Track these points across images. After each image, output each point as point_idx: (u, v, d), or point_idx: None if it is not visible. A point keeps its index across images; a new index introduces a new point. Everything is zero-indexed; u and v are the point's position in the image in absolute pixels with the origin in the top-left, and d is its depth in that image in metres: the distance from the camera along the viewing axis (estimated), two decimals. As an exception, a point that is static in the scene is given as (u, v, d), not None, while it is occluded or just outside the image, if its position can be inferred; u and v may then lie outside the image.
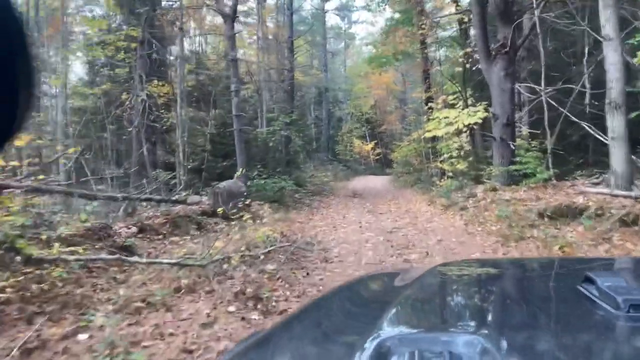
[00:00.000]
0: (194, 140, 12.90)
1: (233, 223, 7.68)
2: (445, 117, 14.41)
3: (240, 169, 10.92)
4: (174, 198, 9.02)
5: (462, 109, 14.02)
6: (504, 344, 0.87)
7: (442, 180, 17.33)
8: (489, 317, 1.18)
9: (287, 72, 19.76)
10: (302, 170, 18.74)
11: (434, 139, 22.54)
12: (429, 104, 22.89)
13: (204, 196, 9.93)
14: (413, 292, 1.33)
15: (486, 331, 0.98)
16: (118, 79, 14.31)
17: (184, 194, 9.50)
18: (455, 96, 14.92)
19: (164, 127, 13.12)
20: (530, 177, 10.73)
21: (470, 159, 14.29)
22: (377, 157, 38.89)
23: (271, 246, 6.24)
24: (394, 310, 1.12)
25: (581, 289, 1.09)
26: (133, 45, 12.67)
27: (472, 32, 15.81)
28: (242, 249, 5.91)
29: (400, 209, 13.13)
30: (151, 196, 8.71)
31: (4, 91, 0.55)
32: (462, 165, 14.00)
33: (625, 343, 0.92)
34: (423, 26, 18.26)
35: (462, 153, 14.36)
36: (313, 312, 1.40)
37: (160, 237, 7.51)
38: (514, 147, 11.74)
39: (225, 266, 5.21)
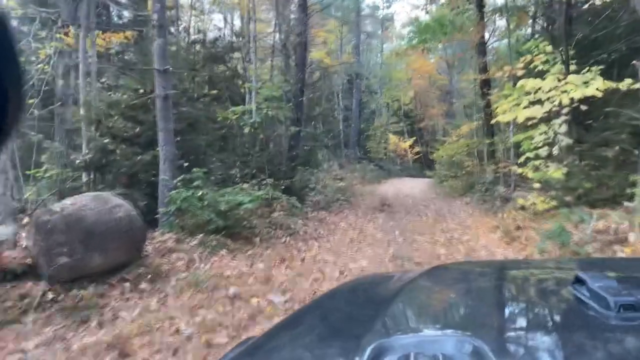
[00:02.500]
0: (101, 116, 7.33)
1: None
2: (527, 93, 8.57)
3: (165, 170, 5.48)
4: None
5: (560, 78, 8.12)
6: (497, 345, 0.86)
7: (511, 190, 11.57)
8: (482, 319, 1.12)
9: (297, 37, 14.17)
10: (310, 172, 13.13)
11: (493, 132, 16.74)
12: (484, 90, 17.19)
13: (26, 229, 4.45)
14: (408, 294, 1.31)
15: (479, 333, 0.93)
16: None
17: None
18: (545, 58, 8.92)
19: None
20: None
21: (576, 161, 8.35)
22: (416, 156, 32.86)
23: None
24: (389, 313, 1.11)
25: (572, 289, 1.08)
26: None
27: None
28: None
29: (453, 241, 7.40)
30: None
31: None
32: (557, 173, 8.08)
33: (615, 343, 0.90)
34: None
35: (556, 151, 8.46)
36: (308, 315, 1.37)
37: None
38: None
39: None
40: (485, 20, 17.74)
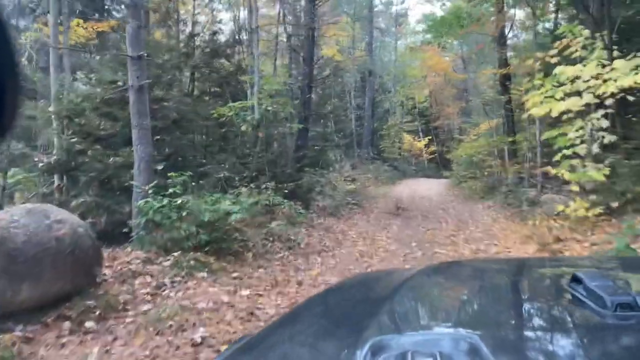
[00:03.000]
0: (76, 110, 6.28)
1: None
2: (561, 84, 7.44)
3: (140, 174, 4.50)
4: None
5: (605, 64, 6.95)
6: (494, 343, 0.85)
7: (537, 192, 10.40)
8: (480, 317, 1.13)
9: (304, 30, 13.17)
10: (319, 173, 12.10)
11: (514, 129, 15.56)
12: (505, 85, 16.06)
13: None
14: (405, 292, 1.29)
15: (476, 331, 0.92)
16: None
17: None
18: (583, 42, 7.73)
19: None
20: None
21: (623, 160, 7.18)
22: (432, 156, 31.60)
23: None
24: (387, 310, 1.10)
25: (569, 288, 1.07)
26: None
27: None
28: None
29: (480, 254, 6.30)
30: None
31: None
32: (598, 174, 6.90)
33: (612, 342, 0.90)
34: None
35: (596, 148, 7.30)
36: (306, 313, 1.35)
37: None
38: None
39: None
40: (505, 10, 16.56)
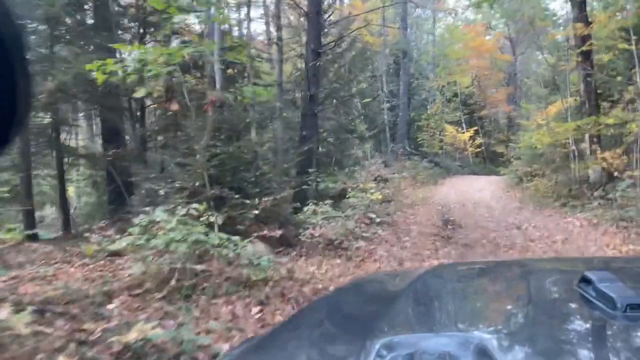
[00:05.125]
0: None
1: None
2: None
3: None
4: None
5: None
6: (502, 344, 0.85)
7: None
8: (487, 318, 1.12)
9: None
10: (332, 176, 8.22)
11: (597, 109, 11.32)
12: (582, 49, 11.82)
13: None
14: (412, 293, 1.27)
15: (484, 332, 0.94)
16: None
17: None
18: None
19: None
20: None
21: None
22: (478, 150, 27.12)
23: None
24: (393, 312, 1.09)
25: (578, 289, 1.04)
26: None
27: None
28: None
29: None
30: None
31: (2, 95, 0.53)
32: None
33: (622, 343, 0.88)
34: None
35: None
36: (312, 315, 1.33)
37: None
38: None
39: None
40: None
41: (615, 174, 11.21)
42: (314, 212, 5.76)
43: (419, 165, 19.98)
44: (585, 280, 1.02)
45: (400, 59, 23.06)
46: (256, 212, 4.90)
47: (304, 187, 7.86)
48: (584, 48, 11.39)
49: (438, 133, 24.26)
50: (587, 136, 11.63)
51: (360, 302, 1.36)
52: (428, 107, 24.83)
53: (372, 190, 7.41)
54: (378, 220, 7.03)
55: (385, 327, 0.97)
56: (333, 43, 9.92)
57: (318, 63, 8.55)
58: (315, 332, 1.13)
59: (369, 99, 20.05)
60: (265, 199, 5.02)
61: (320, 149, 11.12)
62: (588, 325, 0.96)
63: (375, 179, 16.14)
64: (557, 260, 2.53)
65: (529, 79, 23.89)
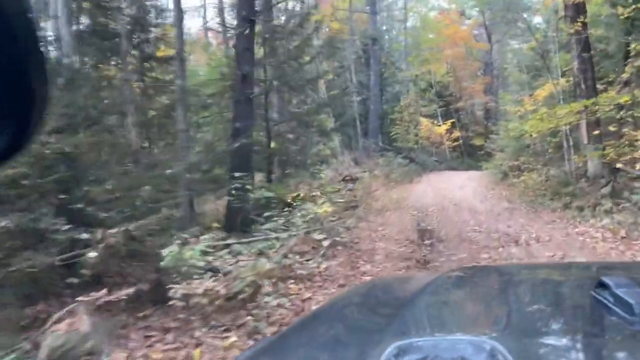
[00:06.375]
0: None
1: None
2: None
3: None
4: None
5: None
6: (516, 350, 0.80)
7: None
8: (502, 323, 1.07)
9: None
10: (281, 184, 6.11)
11: (594, 91, 9.52)
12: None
13: None
14: (425, 297, 1.22)
15: (498, 337, 0.89)
16: None
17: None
18: None
19: None
20: None
21: None
22: (455, 144, 25.28)
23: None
24: (405, 316, 1.06)
25: (595, 294, 0.99)
26: None
27: None
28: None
29: None
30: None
31: (21, 91, 0.51)
32: None
33: None
34: None
35: None
36: (323, 318, 1.29)
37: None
38: None
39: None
40: None
41: (619, 165, 9.42)
42: (211, 248, 3.60)
43: (393, 162, 17.97)
44: (602, 285, 0.98)
45: (370, 47, 21.01)
46: (92, 255, 2.75)
47: (231, 198, 5.73)
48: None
49: (413, 127, 22.29)
50: (583, 122, 9.73)
51: (372, 305, 1.32)
52: (401, 99, 22.81)
53: (321, 201, 5.30)
54: (327, 242, 4.92)
55: (398, 330, 0.94)
56: (274, 14, 7.76)
57: (247, 30, 6.38)
58: (326, 335, 1.10)
59: (337, 91, 18.07)
60: (115, 230, 2.88)
61: (272, 145, 9.00)
62: (604, 332, 0.92)
63: (343, 179, 14.10)
64: (572, 265, 2.35)
65: (509, 65, 22.06)
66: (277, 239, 4.38)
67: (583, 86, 10.02)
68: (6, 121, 0.52)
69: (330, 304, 1.50)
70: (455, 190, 12.61)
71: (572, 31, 10.12)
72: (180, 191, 4.66)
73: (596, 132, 9.66)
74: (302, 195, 6.10)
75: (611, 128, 8.38)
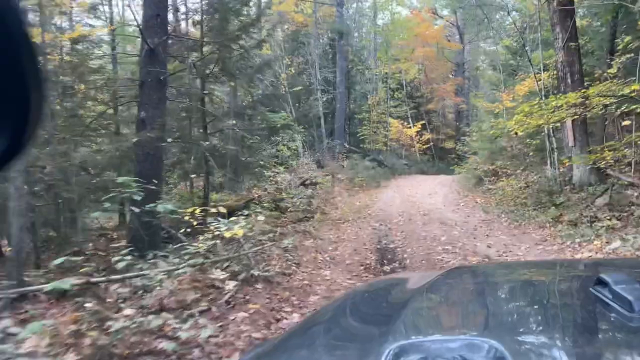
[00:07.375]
0: None
1: None
2: None
3: None
4: None
5: None
6: (517, 348, 0.80)
7: None
8: (502, 321, 1.05)
9: None
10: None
11: (582, 83, 8.26)
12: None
13: None
14: (426, 296, 1.22)
15: (499, 335, 0.87)
16: None
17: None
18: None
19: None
20: None
21: None
22: (425, 146, 24.01)
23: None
24: (406, 315, 1.03)
25: (594, 291, 0.98)
26: None
27: None
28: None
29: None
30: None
31: (15, 95, 0.51)
32: None
33: (639, 346, 0.82)
34: None
35: None
36: (324, 318, 1.26)
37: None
38: None
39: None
40: None
41: (609, 171, 8.15)
42: None
43: (359, 165, 16.51)
44: (601, 283, 0.97)
45: (336, 42, 19.51)
46: None
47: (136, 210, 4.10)
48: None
49: (382, 128, 20.89)
50: (569, 121, 8.43)
51: (373, 305, 1.30)
52: (369, 97, 21.38)
53: (226, 221, 3.70)
54: (237, 282, 3.32)
55: (399, 331, 0.93)
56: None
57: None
58: (327, 336, 1.08)
59: (299, 87, 16.52)
60: None
61: (207, 143, 7.32)
62: (604, 329, 0.91)
63: (302, 183, 12.54)
64: (571, 263, 2.33)
65: (483, 63, 20.92)
66: (150, 278, 2.78)
67: (569, 80, 8.74)
68: (2, 126, 0.51)
69: (331, 305, 1.44)
70: (425, 197, 11.18)
71: (555, 20, 8.85)
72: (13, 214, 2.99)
73: (582, 132, 8.41)
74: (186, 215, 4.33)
75: (610, 128, 7.01)
